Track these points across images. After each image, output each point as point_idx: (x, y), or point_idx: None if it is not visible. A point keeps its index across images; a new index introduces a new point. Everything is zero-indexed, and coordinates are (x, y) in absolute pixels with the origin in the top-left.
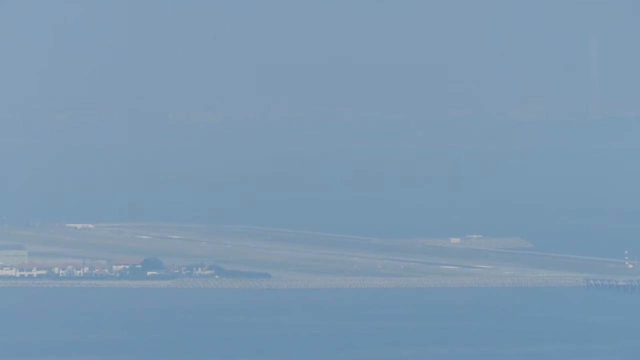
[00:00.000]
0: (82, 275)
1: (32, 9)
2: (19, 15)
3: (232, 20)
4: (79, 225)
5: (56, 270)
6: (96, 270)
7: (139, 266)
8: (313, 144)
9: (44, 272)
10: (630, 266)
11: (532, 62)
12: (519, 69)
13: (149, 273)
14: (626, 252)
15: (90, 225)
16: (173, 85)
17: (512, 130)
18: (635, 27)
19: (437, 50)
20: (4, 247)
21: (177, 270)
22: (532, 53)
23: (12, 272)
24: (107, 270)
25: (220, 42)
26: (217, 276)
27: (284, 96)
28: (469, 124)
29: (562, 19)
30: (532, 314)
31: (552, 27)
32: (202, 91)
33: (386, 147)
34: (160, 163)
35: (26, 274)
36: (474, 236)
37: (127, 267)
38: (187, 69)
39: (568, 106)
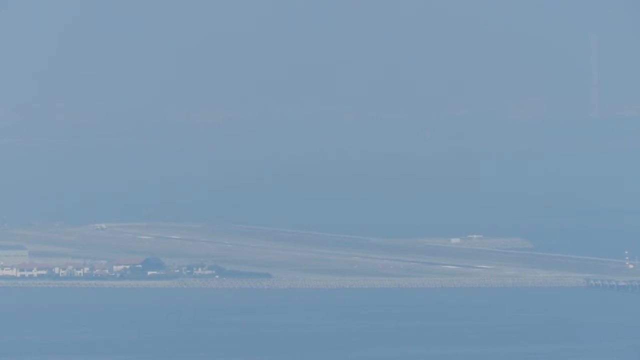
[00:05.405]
0: (82, 275)
1: (32, 9)
2: (19, 15)
3: (233, 20)
4: (97, 225)
5: (57, 270)
6: (97, 270)
7: (140, 266)
8: (313, 144)
9: (44, 272)
10: (631, 266)
11: (531, 61)
12: (518, 68)
13: (149, 273)
14: (626, 252)
15: (103, 225)
16: (173, 85)
17: (511, 130)
18: (635, 26)
19: (437, 50)
20: (4, 247)
21: (178, 270)
22: (532, 52)
23: (13, 272)
24: (107, 270)
25: (220, 42)
26: (217, 276)
27: (284, 96)
28: (468, 124)
29: (562, 18)
30: (533, 314)
31: (552, 26)
32: (202, 91)
33: (388, 147)
34: (160, 163)
35: (26, 273)
36: (475, 236)
37: (127, 267)
38: (187, 69)
39: (568, 105)
